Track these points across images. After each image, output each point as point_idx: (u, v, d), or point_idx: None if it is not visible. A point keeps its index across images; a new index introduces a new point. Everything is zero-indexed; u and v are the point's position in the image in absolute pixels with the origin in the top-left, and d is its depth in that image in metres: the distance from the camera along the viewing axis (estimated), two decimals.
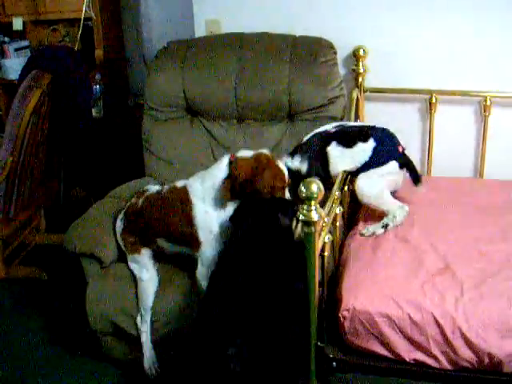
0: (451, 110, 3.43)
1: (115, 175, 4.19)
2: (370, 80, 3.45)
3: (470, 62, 3.33)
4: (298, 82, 3.24)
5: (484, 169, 3.44)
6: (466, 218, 2.92)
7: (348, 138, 2.95)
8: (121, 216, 2.95)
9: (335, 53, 3.31)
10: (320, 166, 2.96)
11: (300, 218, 2.16)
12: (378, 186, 2.87)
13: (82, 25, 4.56)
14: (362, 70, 3.41)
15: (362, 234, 2.87)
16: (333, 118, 3.22)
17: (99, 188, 4.20)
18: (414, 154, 3.49)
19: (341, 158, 2.92)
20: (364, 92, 3.45)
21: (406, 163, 2.93)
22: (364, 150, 2.90)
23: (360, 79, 3.42)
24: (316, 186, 2.14)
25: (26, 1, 5.12)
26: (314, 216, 2.14)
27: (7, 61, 5.04)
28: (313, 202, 2.14)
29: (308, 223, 2.16)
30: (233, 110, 3.38)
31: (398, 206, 2.87)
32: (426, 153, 3.52)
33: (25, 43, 5.15)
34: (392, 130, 2.97)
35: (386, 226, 2.85)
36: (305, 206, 2.15)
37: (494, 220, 2.89)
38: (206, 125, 3.46)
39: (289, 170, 2.83)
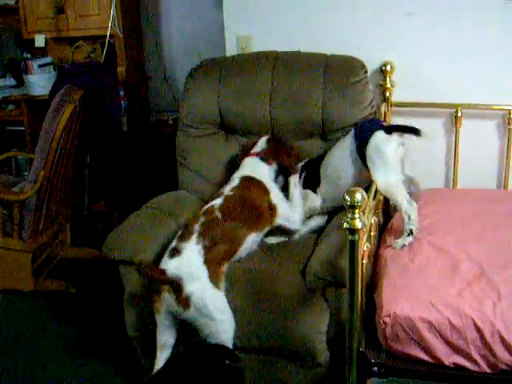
0: (475, 123, 3.51)
1: (139, 189, 4.27)
2: (397, 94, 3.55)
3: (494, 76, 3.41)
4: (331, 102, 3.33)
5: (508, 180, 3.52)
6: (496, 227, 3.00)
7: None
8: (194, 244, 2.84)
9: (366, 72, 3.39)
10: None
11: (344, 226, 2.24)
12: (391, 173, 2.90)
13: (107, 42, 4.64)
14: (389, 85, 3.50)
15: (393, 247, 2.92)
16: None
17: (122, 202, 4.28)
18: (440, 167, 3.62)
19: (330, 152, 3.18)
20: (391, 106, 3.54)
21: (393, 128, 2.99)
22: (347, 138, 3.10)
23: (387, 94, 3.52)
24: (360, 195, 2.21)
25: (48, 18, 5.22)
26: (358, 224, 2.22)
27: (31, 77, 5.14)
28: (357, 210, 2.21)
29: (352, 231, 2.23)
30: (266, 128, 3.47)
31: (407, 202, 2.87)
32: (452, 166, 3.59)
33: (48, 60, 5.26)
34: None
35: (411, 232, 2.89)
36: (349, 214, 2.22)
37: None
38: (241, 141, 3.55)
39: None
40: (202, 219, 2.91)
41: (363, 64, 3.39)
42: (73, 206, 4.50)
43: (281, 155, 3.27)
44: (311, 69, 3.41)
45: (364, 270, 2.50)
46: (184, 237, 2.84)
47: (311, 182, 3.24)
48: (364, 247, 2.46)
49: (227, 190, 3.11)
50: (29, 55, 5.36)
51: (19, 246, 3.95)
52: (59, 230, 4.39)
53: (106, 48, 4.69)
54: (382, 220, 3.19)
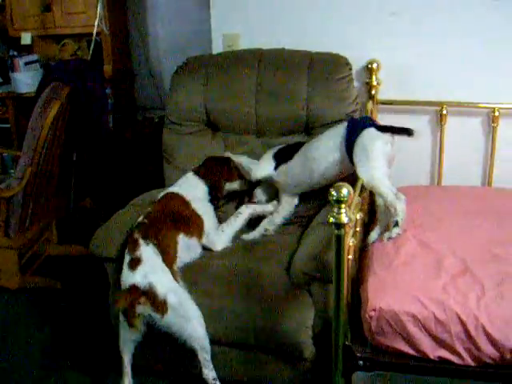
0: (460, 120, 3.55)
1: (124, 187, 4.28)
2: (383, 92, 3.58)
3: (479, 74, 3.45)
4: (315, 99, 3.37)
5: (492, 178, 3.56)
6: (479, 224, 3.03)
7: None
8: (145, 245, 2.88)
9: (351, 69, 3.43)
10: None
11: (330, 221, 2.25)
12: (376, 168, 2.88)
13: (94, 40, 4.64)
14: (375, 83, 3.54)
15: (381, 240, 2.93)
16: None
17: (108, 200, 4.28)
18: (425, 164, 3.65)
19: (318, 138, 3.17)
20: (377, 104, 3.57)
21: (385, 128, 2.98)
22: (339, 128, 3.08)
23: (373, 92, 3.55)
24: (346, 190, 2.22)
25: (35, 16, 5.22)
26: (344, 219, 2.23)
27: (17, 74, 5.13)
28: (343, 205, 2.22)
29: (338, 225, 2.25)
30: (252, 125, 3.51)
31: (394, 193, 2.86)
32: (437, 163, 3.63)
33: (34, 57, 5.25)
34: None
35: (396, 224, 2.88)
36: (335, 209, 2.23)
37: (507, 225, 3.01)
38: (226, 138, 3.59)
39: None
40: (136, 229, 2.94)
41: (347, 61, 3.43)
42: (59, 204, 4.48)
43: (214, 173, 3.32)
44: (296, 66, 3.44)
45: (349, 265, 2.52)
46: (133, 246, 2.85)
47: (281, 159, 3.27)
48: (350, 242, 2.47)
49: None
50: (15, 53, 5.35)
51: (5, 243, 3.93)
52: (46, 227, 4.38)
53: (92, 46, 4.69)
54: (366, 217, 3.20)
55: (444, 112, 3.50)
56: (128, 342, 2.82)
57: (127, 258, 2.83)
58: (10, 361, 3.39)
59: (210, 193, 3.27)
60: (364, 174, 2.87)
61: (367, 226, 3.17)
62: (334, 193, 2.23)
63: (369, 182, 2.86)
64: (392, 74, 3.52)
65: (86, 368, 3.29)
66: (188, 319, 2.73)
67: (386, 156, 2.94)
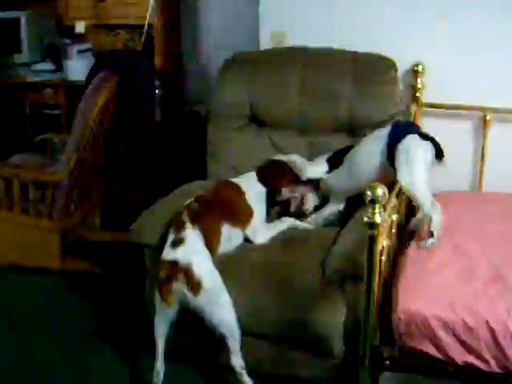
0: (504, 127, 3.54)
1: (170, 178, 4.33)
2: (427, 95, 3.58)
3: None
4: (359, 99, 3.39)
5: None
6: None
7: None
8: (191, 229, 2.93)
9: (396, 70, 3.44)
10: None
11: (364, 221, 2.27)
12: (417, 174, 2.88)
13: (145, 31, 4.71)
14: (420, 86, 3.54)
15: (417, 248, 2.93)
16: None
17: (154, 190, 4.34)
18: (466, 170, 3.64)
19: (361, 145, 3.17)
20: (421, 107, 3.58)
21: (427, 136, 2.97)
22: (382, 132, 3.07)
23: (418, 94, 3.56)
24: (381, 190, 2.24)
25: (89, 6, 5.31)
26: (378, 219, 2.25)
27: (70, 62, 5.23)
28: (377, 206, 2.24)
29: (372, 225, 2.26)
30: (295, 122, 3.54)
31: (431, 203, 2.87)
32: (478, 169, 3.62)
33: (87, 46, 5.34)
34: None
35: (431, 235, 2.91)
36: (369, 209, 2.25)
37: None
38: (270, 135, 3.61)
39: None
40: (185, 211, 2.98)
41: (393, 63, 3.44)
42: (105, 191, 4.57)
43: (274, 178, 3.32)
44: (341, 65, 3.48)
45: (383, 266, 2.54)
46: (178, 228, 2.91)
47: (333, 163, 3.30)
48: (384, 243, 2.49)
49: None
50: (69, 41, 5.46)
51: (49, 225, 4.04)
52: (89, 214, 4.47)
53: (144, 37, 4.76)
54: (404, 220, 3.20)
55: (487, 118, 3.49)
56: (162, 322, 2.87)
57: (171, 238, 2.89)
58: (47, 338, 3.47)
59: (268, 196, 3.30)
60: (403, 178, 2.87)
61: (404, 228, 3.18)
62: (369, 193, 2.24)
63: (407, 187, 2.87)
64: (437, 78, 3.52)
65: (120, 351, 3.34)
66: (219, 305, 2.78)
67: (427, 164, 2.94)
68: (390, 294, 2.70)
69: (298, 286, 2.86)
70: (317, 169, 3.32)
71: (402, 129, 3.04)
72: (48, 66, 5.68)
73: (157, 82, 4.83)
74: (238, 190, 3.21)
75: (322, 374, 2.91)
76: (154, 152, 4.74)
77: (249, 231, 3.16)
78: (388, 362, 2.54)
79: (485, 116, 3.50)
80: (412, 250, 2.92)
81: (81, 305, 3.81)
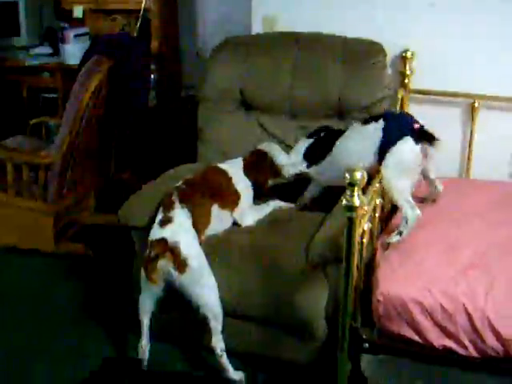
0: (492, 114, 3.55)
1: (165, 161, 4.35)
2: (415, 81, 3.59)
3: None
4: (349, 83, 3.41)
5: None
6: (501, 219, 3.04)
7: (364, 120, 3.14)
8: (180, 208, 2.97)
9: (385, 55, 3.46)
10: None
11: (343, 203, 2.29)
12: (402, 180, 2.88)
13: (142, 15, 4.72)
14: (408, 72, 3.55)
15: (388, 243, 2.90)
16: None
17: (148, 173, 4.36)
18: (454, 157, 3.67)
19: (352, 133, 3.13)
20: (409, 93, 3.59)
21: (422, 137, 2.92)
22: (375, 128, 2.99)
23: (406, 80, 3.57)
24: (360, 174, 2.25)
25: None
26: (356, 201, 2.26)
27: (67, 46, 5.24)
28: (356, 188, 2.25)
29: (350, 208, 2.28)
30: (286, 106, 3.56)
31: (411, 208, 2.86)
32: (466, 156, 3.64)
33: (84, 30, 5.35)
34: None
35: (400, 233, 2.88)
36: (348, 192, 2.27)
37: None
38: (260, 118, 3.63)
39: None
40: (175, 191, 3.02)
41: (382, 47, 3.46)
42: (98, 174, 4.60)
43: (258, 170, 3.35)
44: (331, 50, 3.50)
45: (364, 249, 2.57)
46: (167, 207, 2.95)
47: (315, 153, 3.28)
48: (365, 226, 2.51)
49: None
50: (66, 25, 5.47)
51: (42, 207, 4.07)
52: (83, 196, 4.50)
53: (139, 21, 4.78)
54: (389, 206, 3.22)
55: (476, 105, 3.50)
56: (147, 300, 2.91)
57: (159, 217, 2.93)
58: (40, 320, 3.51)
59: (254, 189, 3.34)
60: (387, 174, 2.87)
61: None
62: (347, 176, 2.26)
63: (388, 186, 2.87)
64: (425, 64, 3.53)
65: (111, 332, 3.39)
66: (203, 286, 2.81)
67: (418, 167, 2.96)
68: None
69: (283, 270, 2.89)
70: (296, 166, 3.31)
71: (396, 127, 2.96)
72: (46, 49, 5.69)
73: (153, 66, 4.85)
74: (225, 175, 3.24)
75: (305, 357, 2.95)
76: (148, 136, 4.76)
77: (236, 214, 3.20)
78: (367, 344, 2.57)
79: (473, 103, 3.51)
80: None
81: (73, 287, 3.84)
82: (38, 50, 5.67)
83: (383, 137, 2.96)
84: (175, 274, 2.77)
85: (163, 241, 2.79)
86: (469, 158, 3.62)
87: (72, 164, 4.08)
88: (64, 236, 4.29)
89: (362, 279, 2.65)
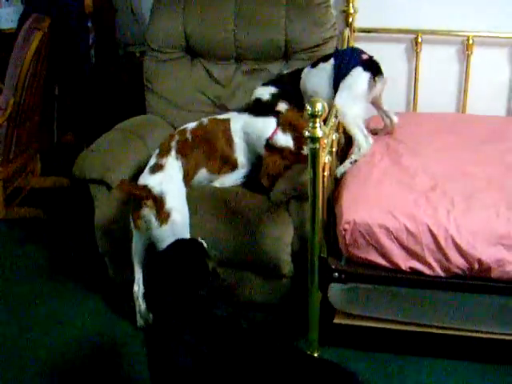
0: (435, 48, 3.63)
1: (107, 122, 4.30)
2: (359, 20, 3.64)
3: (455, 2, 3.52)
4: (293, 24, 3.42)
5: (466, 105, 3.66)
6: (452, 146, 3.15)
7: (315, 61, 3.23)
8: (174, 159, 2.95)
9: None
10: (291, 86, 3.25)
11: (306, 135, 2.33)
12: (354, 107, 2.97)
13: None
14: (352, 11, 3.58)
15: (336, 176, 3.00)
16: None
17: (90, 134, 4.31)
18: (401, 92, 3.74)
19: (308, 77, 3.20)
20: (354, 32, 3.63)
21: (371, 66, 3.05)
22: (325, 68, 3.13)
23: (350, 19, 3.60)
24: (321, 105, 2.29)
25: None
26: (319, 132, 2.30)
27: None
28: (317, 120, 2.29)
29: (313, 139, 2.32)
30: (231, 51, 3.55)
31: (364, 136, 2.99)
32: (412, 90, 3.71)
33: None
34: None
35: (354, 162, 2.99)
36: (310, 124, 2.31)
37: (477, 148, 3.12)
38: (206, 65, 3.62)
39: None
40: (177, 137, 3.02)
41: None
42: (43, 137, 4.52)
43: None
44: None
45: (326, 183, 2.60)
46: (163, 153, 2.94)
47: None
48: (325, 159, 2.55)
49: (206, 118, 3.20)
50: None
51: None
52: (29, 160, 4.42)
53: None
54: (343, 140, 3.28)
55: (419, 40, 3.58)
56: (137, 247, 2.88)
57: (152, 161, 2.93)
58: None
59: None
60: (340, 104, 2.94)
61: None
62: (309, 107, 2.29)
63: (341, 114, 2.94)
64: (368, 2, 3.58)
65: (80, 288, 3.41)
66: None
67: (370, 95, 3.06)
68: (335, 211, 2.77)
69: (245, 210, 2.93)
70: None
71: (346, 61, 3.06)
72: None
73: (89, 25, 4.76)
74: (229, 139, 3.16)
75: (274, 293, 3.02)
76: (90, 95, 4.69)
77: (219, 181, 3.17)
78: (336, 273, 2.63)
79: (416, 38, 3.58)
80: (351, 166, 3.00)
81: (31, 250, 3.82)
82: None
83: (335, 73, 3.06)
84: (155, 223, 2.74)
85: (149, 188, 2.76)
86: (415, 93, 3.70)
87: (17, 126, 3.99)
88: (13, 202, 4.22)
89: (324, 212, 2.70)
